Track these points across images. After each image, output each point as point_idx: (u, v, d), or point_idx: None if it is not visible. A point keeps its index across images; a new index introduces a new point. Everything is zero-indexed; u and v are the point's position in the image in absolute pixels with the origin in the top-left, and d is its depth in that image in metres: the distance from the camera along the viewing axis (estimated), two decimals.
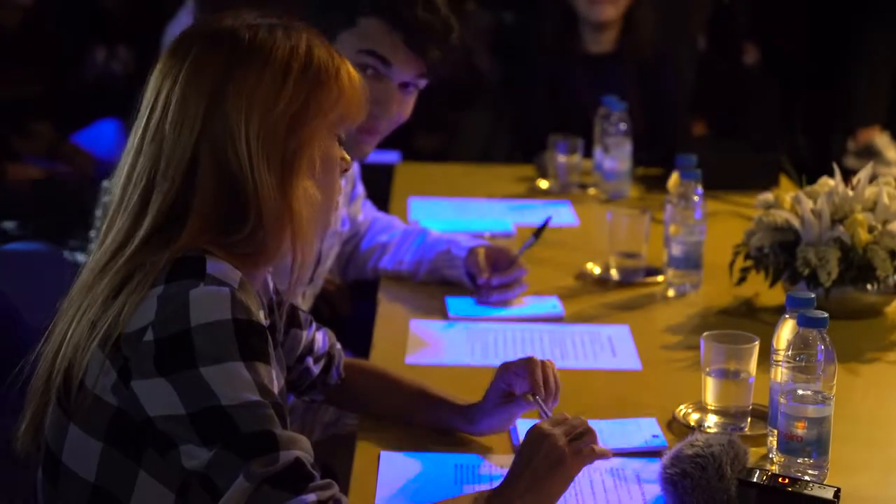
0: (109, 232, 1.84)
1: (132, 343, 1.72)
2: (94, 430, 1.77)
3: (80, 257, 4.57)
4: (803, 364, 2.07)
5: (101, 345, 1.75)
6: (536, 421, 2.01)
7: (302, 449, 1.71)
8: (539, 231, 3.27)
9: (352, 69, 1.91)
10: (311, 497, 1.68)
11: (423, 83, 2.79)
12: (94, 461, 1.77)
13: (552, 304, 3.02)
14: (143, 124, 1.86)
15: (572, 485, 2.07)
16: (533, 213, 3.87)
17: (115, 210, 1.85)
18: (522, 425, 2.23)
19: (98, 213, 3.34)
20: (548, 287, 3.14)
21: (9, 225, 5.23)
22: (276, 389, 1.77)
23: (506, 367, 2.22)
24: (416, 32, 2.70)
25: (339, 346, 2.34)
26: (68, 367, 1.78)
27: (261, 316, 1.80)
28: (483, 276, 3.02)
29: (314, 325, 2.27)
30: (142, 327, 1.72)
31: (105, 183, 3.38)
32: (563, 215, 3.91)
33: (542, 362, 2.20)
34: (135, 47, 6.28)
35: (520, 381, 2.19)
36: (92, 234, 3.35)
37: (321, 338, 2.28)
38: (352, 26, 2.71)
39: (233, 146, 1.79)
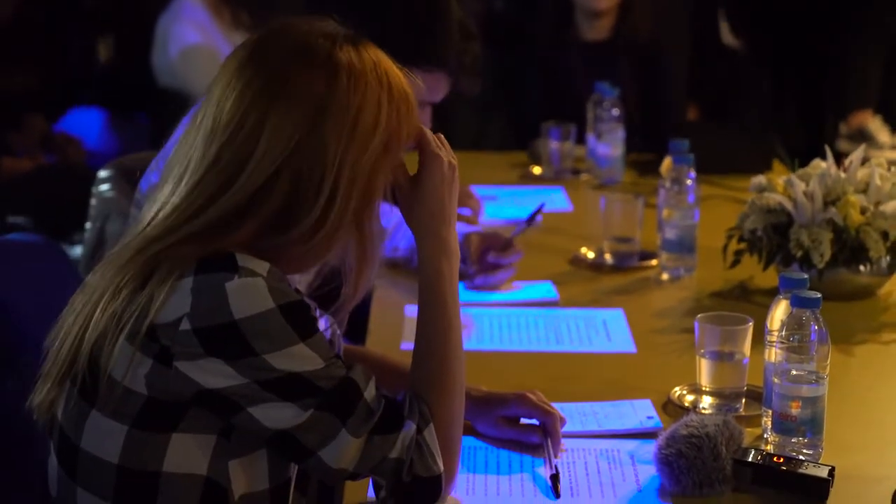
0: (161, 210, 1.83)
1: (168, 332, 1.74)
2: (122, 417, 1.78)
3: (78, 249, 4.59)
4: (797, 344, 2.08)
5: (129, 338, 1.76)
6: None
7: (370, 378, 1.84)
8: (531, 217, 3.27)
9: (412, 93, 1.92)
10: (409, 424, 1.84)
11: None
12: (118, 444, 1.78)
13: (546, 289, 3.03)
14: (224, 136, 1.81)
15: (567, 466, 2.09)
16: (526, 200, 3.89)
17: (171, 193, 1.83)
18: None
19: (93, 202, 3.33)
20: (542, 272, 3.15)
21: (10, 219, 5.24)
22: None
23: (525, 402, 2.20)
24: (466, 73, 2.69)
25: (339, 332, 2.34)
26: (94, 359, 1.79)
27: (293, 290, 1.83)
28: (473, 266, 3.03)
29: (318, 310, 2.28)
30: (176, 318, 1.74)
31: (101, 173, 3.36)
32: (557, 201, 3.92)
33: (561, 419, 2.20)
34: (118, 39, 6.29)
35: (533, 418, 2.21)
36: (87, 225, 3.34)
37: (323, 324, 2.29)
38: None
39: (320, 174, 1.81)
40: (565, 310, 2.92)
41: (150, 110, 5.96)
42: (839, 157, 3.01)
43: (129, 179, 3.03)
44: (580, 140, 4.31)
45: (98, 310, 1.80)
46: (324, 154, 1.81)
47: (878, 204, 2.88)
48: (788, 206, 2.91)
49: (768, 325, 2.20)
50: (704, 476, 1.97)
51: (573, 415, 2.27)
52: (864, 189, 2.91)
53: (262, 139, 1.80)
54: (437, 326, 1.95)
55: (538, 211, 3.29)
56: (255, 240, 1.82)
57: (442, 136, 1.99)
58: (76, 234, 5.01)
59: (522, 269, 3.10)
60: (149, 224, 1.84)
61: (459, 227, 3.08)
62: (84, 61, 6.29)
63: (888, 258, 2.88)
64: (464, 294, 2.96)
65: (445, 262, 1.96)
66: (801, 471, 1.99)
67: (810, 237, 2.84)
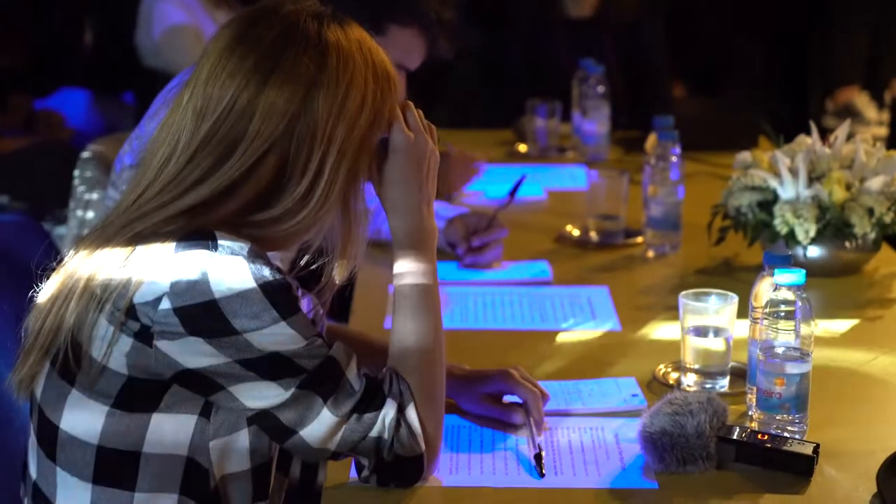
0: (148, 189, 1.82)
1: (148, 311, 1.74)
2: (102, 397, 1.78)
3: (62, 229, 4.57)
4: (781, 321, 2.08)
5: (109, 317, 1.76)
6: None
7: (352, 357, 1.85)
8: (513, 192, 3.27)
9: (394, 72, 1.93)
10: (391, 403, 1.84)
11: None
12: (99, 424, 1.78)
13: (541, 269, 3.02)
14: (215, 116, 1.81)
15: (551, 445, 2.08)
16: (512, 177, 3.88)
17: (158, 172, 1.83)
18: None
19: (76, 182, 3.32)
20: (528, 250, 3.14)
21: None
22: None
23: (508, 378, 2.19)
24: (442, 37, 2.68)
25: (322, 311, 2.34)
26: (74, 336, 1.78)
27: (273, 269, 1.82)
28: (462, 246, 3.03)
29: (300, 290, 2.27)
30: (156, 297, 1.73)
31: (84, 153, 3.35)
32: (579, 178, 3.86)
33: (544, 395, 2.19)
34: (104, 19, 6.28)
35: (515, 396, 2.20)
36: (71, 204, 3.33)
37: (306, 304, 2.28)
38: (381, 34, 2.68)
39: (308, 152, 1.81)
40: (550, 287, 2.92)
41: (135, 90, 5.95)
42: (826, 134, 3.01)
43: (111, 160, 3.02)
44: (566, 117, 4.30)
45: (79, 287, 1.79)
46: (313, 133, 1.81)
47: (862, 180, 2.87)
48: (773, 182, 2.90)
49: (753, 301, 2.20)
50: (688, 454, 1.97)
51: (557, 393, 2.26)
52: (850, 165, 2.90)
53: (255, 119, 1.80)
54: (413, 305, 1.95)
55: (519, 184, 3.28)
56: (237, 216, 1.81)
57: (420, 111, 1.98)
58: (60, 213, 5.00)
59: (509, 247, 3.09)
60: (134, 203, 1.83)
61: (443, 212, 3.11)
62: (70, 41, 6.27)
63: (873, 234, 2.88)
64: (457, 273, 2.97)
65: (418, 240, 1.96)
66: (785, 448, 1.99)
67: (795, 214, 2.84)
